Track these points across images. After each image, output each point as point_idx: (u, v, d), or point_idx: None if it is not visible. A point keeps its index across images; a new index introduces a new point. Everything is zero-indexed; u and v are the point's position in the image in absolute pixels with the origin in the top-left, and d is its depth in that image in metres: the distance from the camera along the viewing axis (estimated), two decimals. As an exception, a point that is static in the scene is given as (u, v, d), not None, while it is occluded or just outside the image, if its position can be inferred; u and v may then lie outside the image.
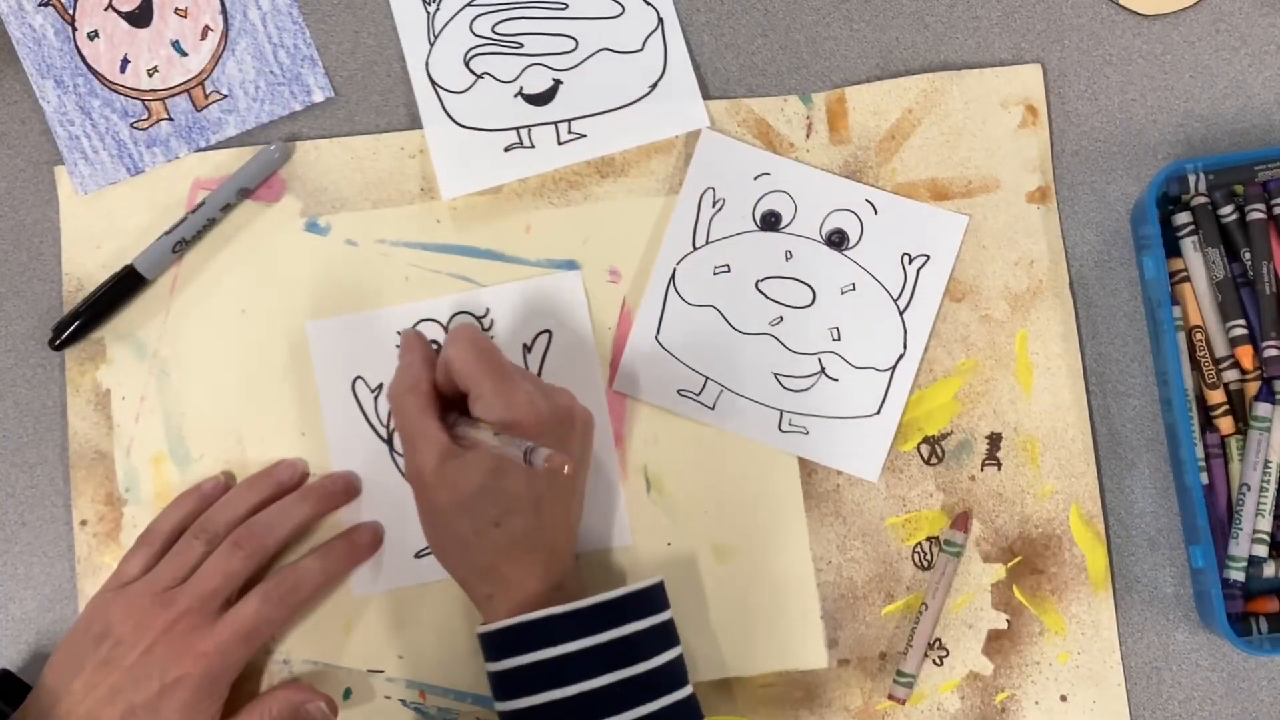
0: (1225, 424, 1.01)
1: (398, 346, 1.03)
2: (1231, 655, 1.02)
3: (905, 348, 1.03)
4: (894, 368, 1.03)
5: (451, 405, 0.95)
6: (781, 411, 1.02)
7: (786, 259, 1.03)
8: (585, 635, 0.88)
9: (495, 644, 0.90)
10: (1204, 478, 1.01)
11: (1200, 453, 1.01)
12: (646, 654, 0.89)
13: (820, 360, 1.03)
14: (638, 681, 0.88)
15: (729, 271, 1.03)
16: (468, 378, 0.92)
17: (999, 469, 1.02)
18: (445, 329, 1.03)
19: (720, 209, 1.03)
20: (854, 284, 1.03)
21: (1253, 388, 1.01)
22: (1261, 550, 0.99)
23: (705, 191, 1.04)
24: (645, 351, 1.03)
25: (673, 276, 1.03)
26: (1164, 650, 1.02)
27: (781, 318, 1.03)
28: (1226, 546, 1.00)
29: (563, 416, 0.94)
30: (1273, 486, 0.99)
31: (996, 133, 1.05)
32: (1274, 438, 0.99)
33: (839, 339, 1.03)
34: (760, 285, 1.03)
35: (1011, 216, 1.04)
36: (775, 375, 1.03)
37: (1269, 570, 1.00)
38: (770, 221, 1.03)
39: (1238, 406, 1.02)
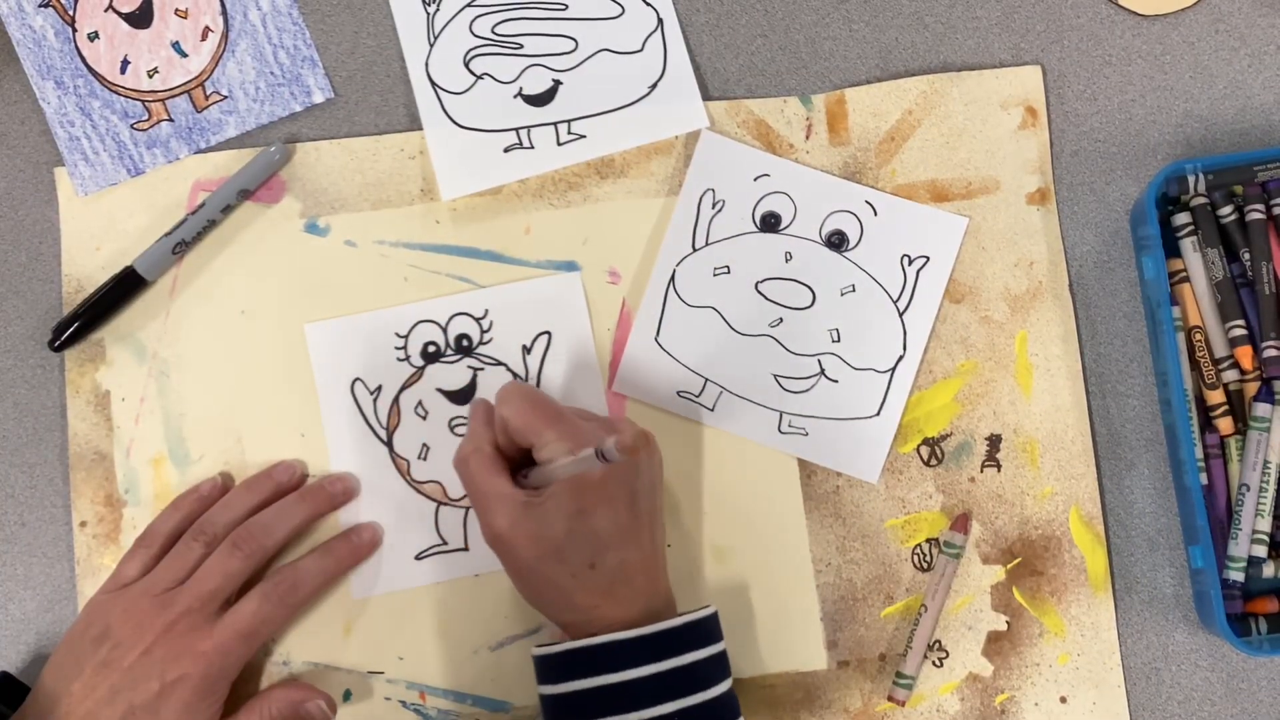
0: (1225, 424, 1.01)
1: (399, 349, 1.03)
2: (1231, 656, 1.02)
3: (905, 349, 1.03)
4: (894, 369, 1.03)
5: (519, 467, 0.95)
6: (781, 413, 1.02)
7: (786, 260, 1.03)
8: (648, 663, 0.87)
9: (553, 667, 0.89)
10: (1203, 478, 1.01)
11: (1200, 453, 1.01)
12: (706, 684, 0.89)
13: (820, 361, 1.03)
14: (696, 711, 0.87)
15: (729, 273, 1.03)
16: (527, 430, 0.91)
17: (999, 470, 1.02)
18: (444, 329, 1.03)
19: (720, 210, 1.03)
20: (854, 285, 1.03)
21: (1252, 388, 1.01)
22: (1261, 550, 0.99)
23: (705, 193, 1.04)
24: (645, 353, 1.03)
25: (672, 278, 1.03)
26: (1163, 651, 1.02)
27: (781, 319, 1.03)
28: (1226, 547, 0.99)
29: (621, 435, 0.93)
30: (1272, 487, 0.99)
31: (996, 134, 1.05)
32: (1273, 438, 0.99)
33: (839, 340, 1.03)
34: (760, 286, 1.03)
35: (1011, 218, 1.04)
36: (775, 376, 1.03)
37: (1268, 571, 1.00)
38: (770, 223, 1.03)
39: (1237, 407, 1.02)
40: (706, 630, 0.91)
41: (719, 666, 0.91)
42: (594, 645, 0.87)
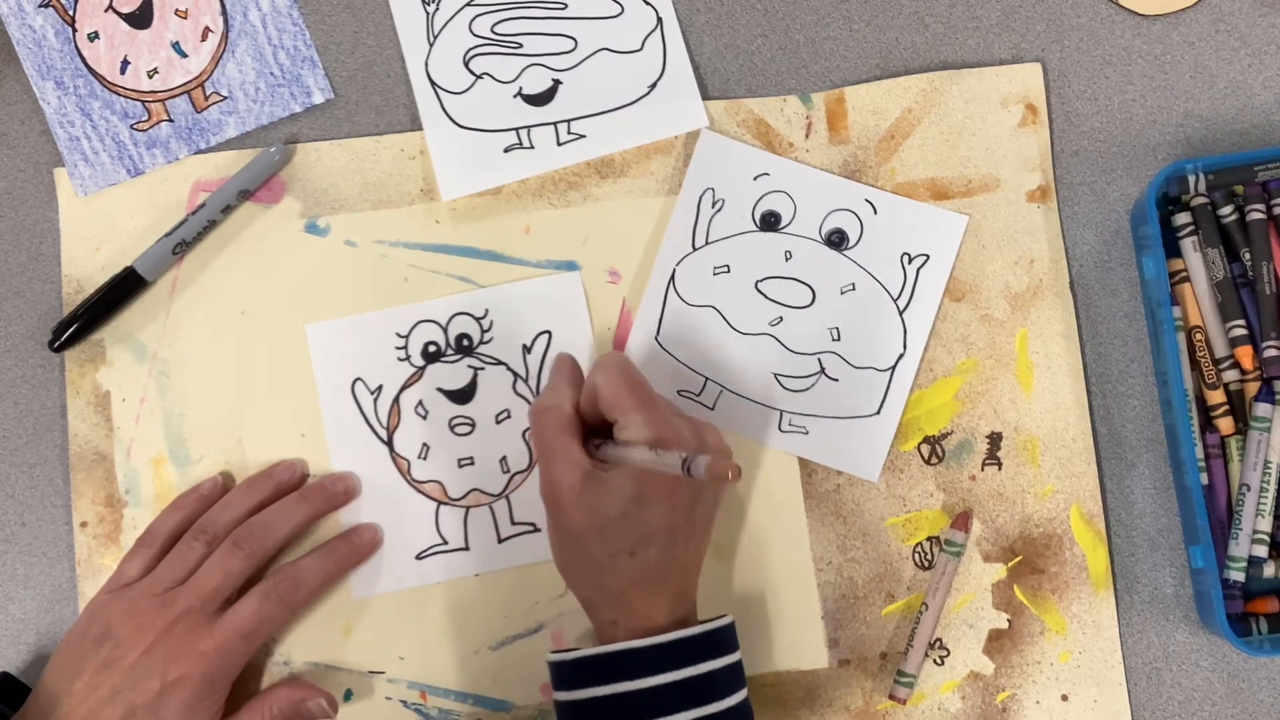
0: (1225, 424, 1.01)
1: (399, 349, 1.03)
2: (1231, 655, 1.02)
3: (905, 347, 1.03)
4: (894, 367, 1.03)
5: (594, 434, 0.95)
6: (781, 412, 1.02)
7: (786, 259, 1.03)
8: (665, 671, 0.87)
9: (569, 674, 0.89)
10: (1204, 478, 1.01)
11: (1200, 453, 1.01)
12: (721, 694, 0.88)
13: (820, 360, 1.03)
14: None
15: (729, 272, 1.03)
16: (616, 405, 0.91)
17: (999, 468, 1.02)
18: (444, 329, 1.03)
19: (720, 209, 1.03)
20: (854, 284, 1.03)
21: (1253, 388, 1.01)
22: (1261, 550, 0.99)
23: (705, 192, 1.04)
24: (645, 352, 1.03)
25: (672, 277, 1.03)
26: (1164, 650, 1.02)
27: (781, 318, 1.03)
28: (1226, 547, 1.00)
29: (708, 449, 0.93)
30: (1273, 487, 0.99)
31: (996, 132, 1.05)
32: (1274, 438, 0.99)
33: (839, 339, 1.03)
34: (760, 285, 1.03)
35: (1011, 216, 1.04)
36: (775, 375, 1.03)
37: (1269, 570, 0.99)
38: (770, 222, 1.03)
39: (1238, 407, 1.02)
40: (724, 640, 0.91)
41: (735, 677, 0.90)
42: (612, 652, 0.87)
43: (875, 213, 1.03)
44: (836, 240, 1.03)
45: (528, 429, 1.02)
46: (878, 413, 1.02)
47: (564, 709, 0.90)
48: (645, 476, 0.89)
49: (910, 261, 1.03)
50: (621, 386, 0.92)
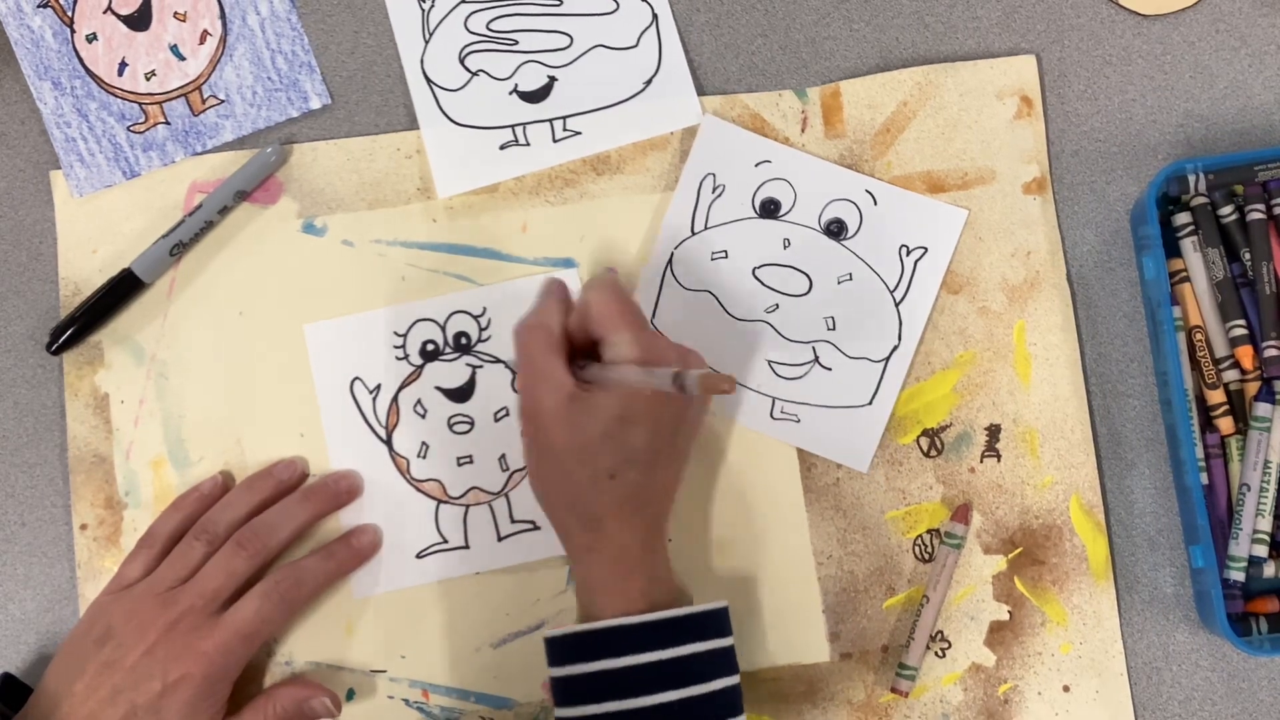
0: (1225, 424, 1.01)
1: (397, 348, 1.03)
2: (1231, 655, 1.02)
3: (900, 339, 1.03)
4: (888, 359, 1.03)
5: (578, 356, 0.94)
6: (774, 399, 1.02)
7: (784, 247, 1.03)
8: (650, 650, 0.87)
9: (561, 650, 0.89)
10: (1204, 478, 1.01)
11: (1200, 453, 1.01)
12: (707, 676, 0.89)
13: (814, 349, 1.03)
14: (695, 702, 0.87)
15: (726, 257, 1.03)
16: (605, 323, 0.91)
17: (998, 460, 1.02)
18: (442, 327, 1.03)
19: (720, 195, 1.04)
20: (851, 274, 1.03)
21: (1253, 388, 1.01)
22: (1261, 550, 0.99)
23: (705, 177, 1.04)
24: (640, 334, 1.03)
25: (670, 260, 1.03)
26: (1164, 650, 1.02)
27: (777, 305, 1.03)
28: (1226, 546, 1.00)
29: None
30: (1273, 487, 0.99)
31: (992, 124, 1.05)
32: (1274, 438, 0.99)
33: (834, 328, 1.03)
34: (757, 272, 1.03)
35: (1008, 208, 1.04)
36: (769, 362, 1.03)
37: (1269, 570, 1.00)
38: (769, 209, 1.03)
39: (1238, 406, 1.02)
40: (712, 623, 0.91)
41: (723, 661, 0.91)
42: (599, 629, 0.88)
43: (875, 204, 1.04)
44: (835, 230, 1.03)
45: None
46: (870, 403, 1.02)
47: (556, 684, 0.90)
48: (630, 398, 0.89)
49: (908, 254, 1.03)
50: (614, 304, 0.91)
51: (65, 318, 1.03)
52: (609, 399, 0.89)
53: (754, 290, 1.03)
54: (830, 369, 1.03)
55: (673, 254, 1.03)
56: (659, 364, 0.89)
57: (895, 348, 1.03)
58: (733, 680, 0.91)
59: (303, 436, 1.03)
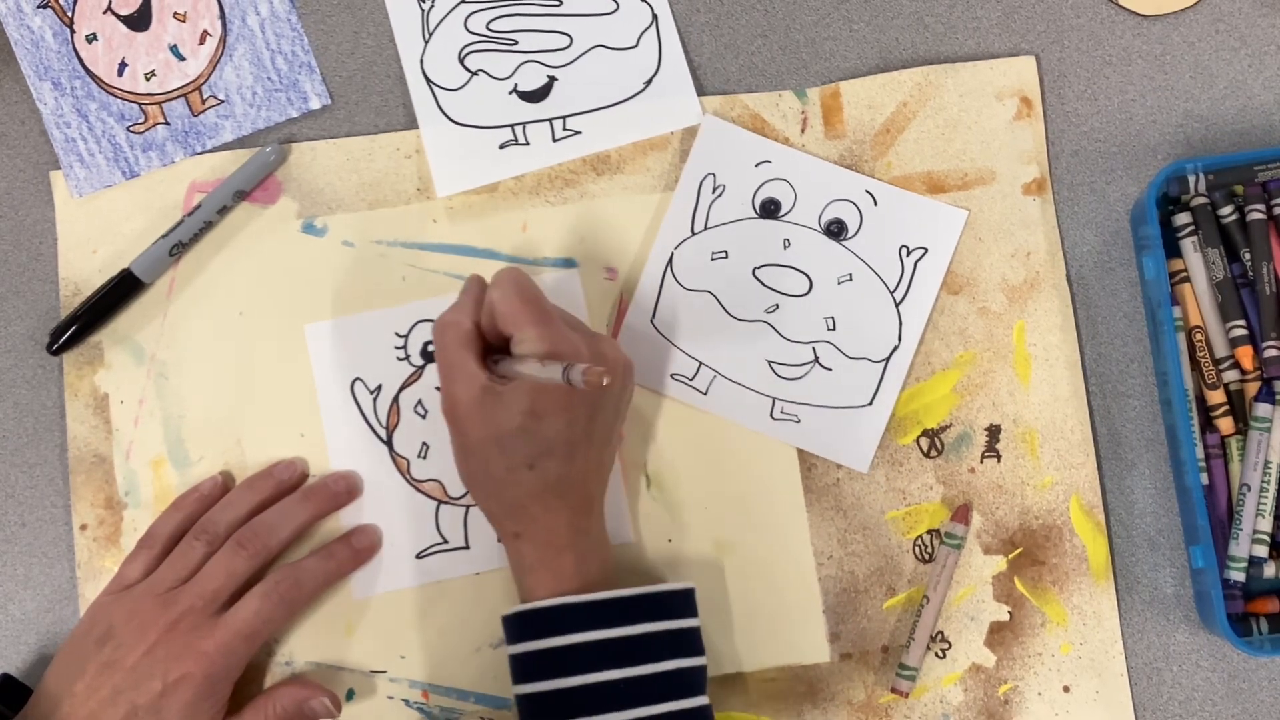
0: (1225, 424, 1.01)
1: (399, 348, 1.03)
2: (1231, 655, 1.02)
3: (900, 340, 1.03)
4: (888, 359, 1.03)
5: (496, 350, 0.95)
6: (774, 399, 1.02)
7: (785, 247, 1.03)
8: (595, 628, 0.88)
9: (514, 627, 0.90)
10: (1204, 478, 1.01)
11: (1200, 453, 1.01)
12: (657, 656, 0.89)
13: (814, 349, 1.03)
14: (644, 681, 0.88)
15: (727, 258, 1.03)
16: (509, 320, 0.91)
17: (998, 461, 1.02)
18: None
19: (720, 195, 1.04)
20: (851, 274, 1.03)
21: (1253, 388, 1.01)
22: (1261, 551, 0.99)
23: (706, 177, 1.04)
24: (640, 334, 1.03)
25: (670, 261, 1.03)
26: (1164, 650, 1.02)
27: (777, 305, 1.03)
28: (1226, 547, 1.00)
29: (603, 361, 0.93)
30: (1273, 487, 0.99)
31: (992, 125, 1.05)
32: (1274, 438, 0.99)
33: (834, 329, 1.03)
34: (757, 272, 1.03)
35: (1008, 208, 1.04)
36: (769, 363, 1.03)
37: (1269, 571, 0.99)
38: (770, 209, 1.03)
39: (1238, 407, 1.02)
40: (663, 604, 0.92)
41: (679, 642, 0.92)
42: (548, 607, 0.89)
43: (875, 204, 1.04)
44: (835, 230, 1.03)
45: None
46: (870, 404, 1.02)
47: (512, 661, 0.91)
48: (540, 390, 0.89)
49: (908, 254, 1.03)
50: (516, 301, 0.92)
51: (65, 318, 1.03)
52: (519, 393, 0.90)
53: (754, 290, 1.03)
54: (830, 369, 1.03)
55: (673, 254, 1.03)
56: (561, 357, 0.89)
57: (895, 348, 1.03)
58: (691, 662, 0.91)
59: (303, 437, 1.03)
